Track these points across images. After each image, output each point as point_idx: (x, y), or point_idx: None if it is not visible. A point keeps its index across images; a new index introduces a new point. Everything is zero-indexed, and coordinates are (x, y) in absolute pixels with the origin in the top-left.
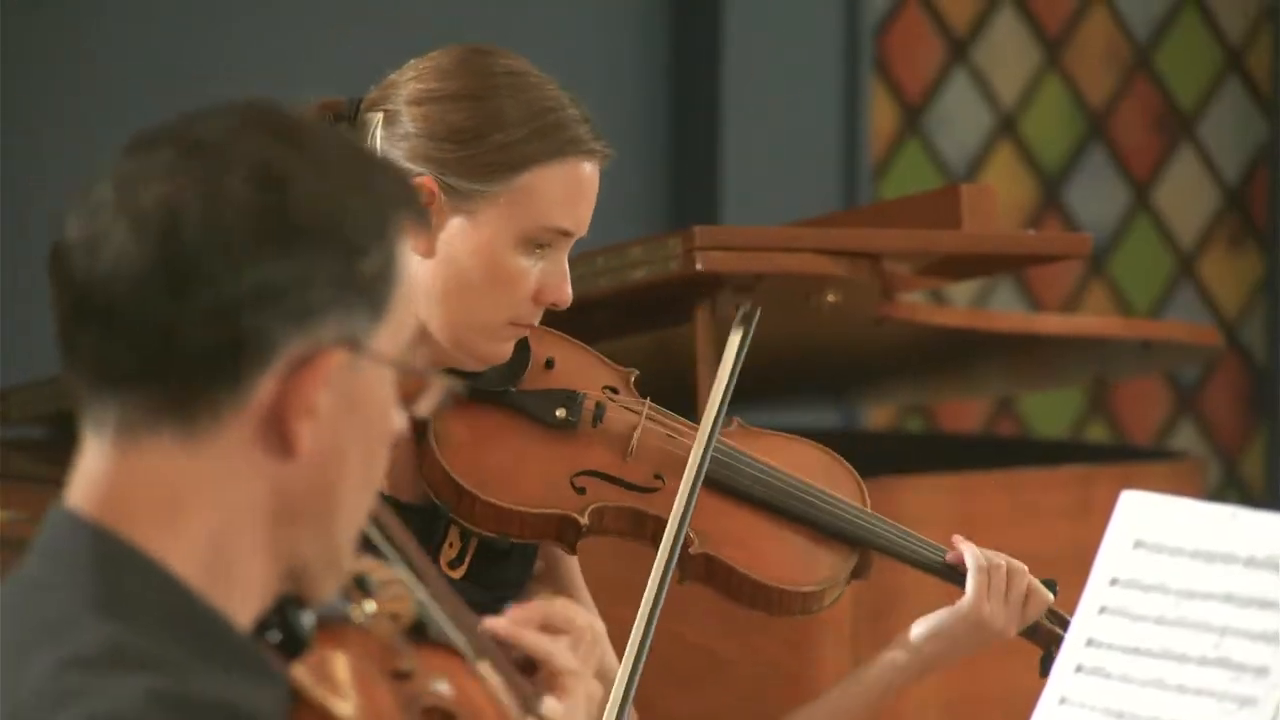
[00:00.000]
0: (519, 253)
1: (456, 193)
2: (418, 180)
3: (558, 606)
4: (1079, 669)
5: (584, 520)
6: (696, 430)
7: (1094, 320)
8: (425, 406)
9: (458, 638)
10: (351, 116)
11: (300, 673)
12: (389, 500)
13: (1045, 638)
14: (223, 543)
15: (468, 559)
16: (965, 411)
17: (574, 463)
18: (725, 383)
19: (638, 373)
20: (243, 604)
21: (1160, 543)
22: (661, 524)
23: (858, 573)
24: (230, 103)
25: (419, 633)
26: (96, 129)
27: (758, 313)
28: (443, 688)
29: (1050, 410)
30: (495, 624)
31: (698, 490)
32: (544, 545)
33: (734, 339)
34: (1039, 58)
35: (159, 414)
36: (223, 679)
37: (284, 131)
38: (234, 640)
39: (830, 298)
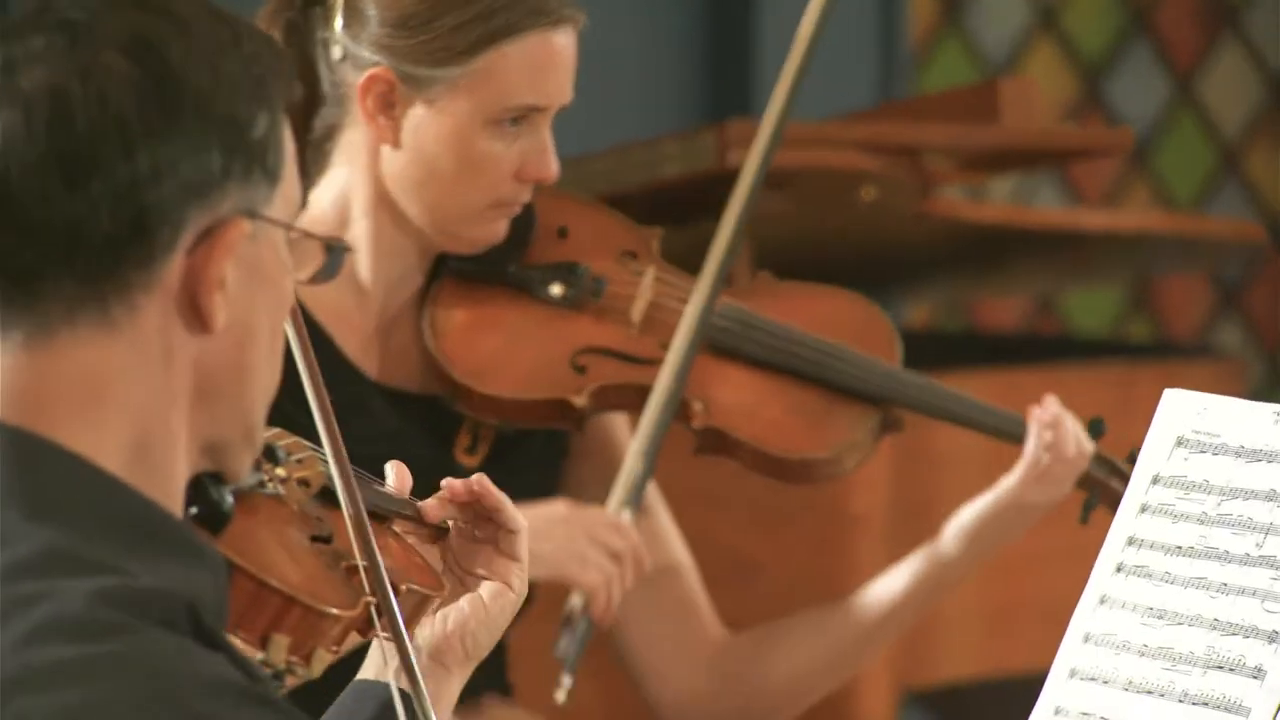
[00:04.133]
0: (489, 135)
1: (415, 81)
2: (373, 73)
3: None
4: (1119, 569)
5: (581, 401)
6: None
7: (1136, 216)
8: (306, 273)
9: (368, 499)
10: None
11: (228, 546)
12: (394, 392)
13: (1087, 483)
14: (145, 429)
15: (483, 445)
16: (1005, 309)
17: (574, 341)
18: (731, 227)
19: (661, 232)
20: (167, 487)
21: (1203, 441)
22: None
23: (887, 428)
24: None
25: (328, 497)
26: None
27: None
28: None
29: (1092, 308)
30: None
31: (692, 351)
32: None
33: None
34: None
35: (72, 306)
36: (161, 567)
37: (148, 3)
38: (166, 526)
39: (867, 194)
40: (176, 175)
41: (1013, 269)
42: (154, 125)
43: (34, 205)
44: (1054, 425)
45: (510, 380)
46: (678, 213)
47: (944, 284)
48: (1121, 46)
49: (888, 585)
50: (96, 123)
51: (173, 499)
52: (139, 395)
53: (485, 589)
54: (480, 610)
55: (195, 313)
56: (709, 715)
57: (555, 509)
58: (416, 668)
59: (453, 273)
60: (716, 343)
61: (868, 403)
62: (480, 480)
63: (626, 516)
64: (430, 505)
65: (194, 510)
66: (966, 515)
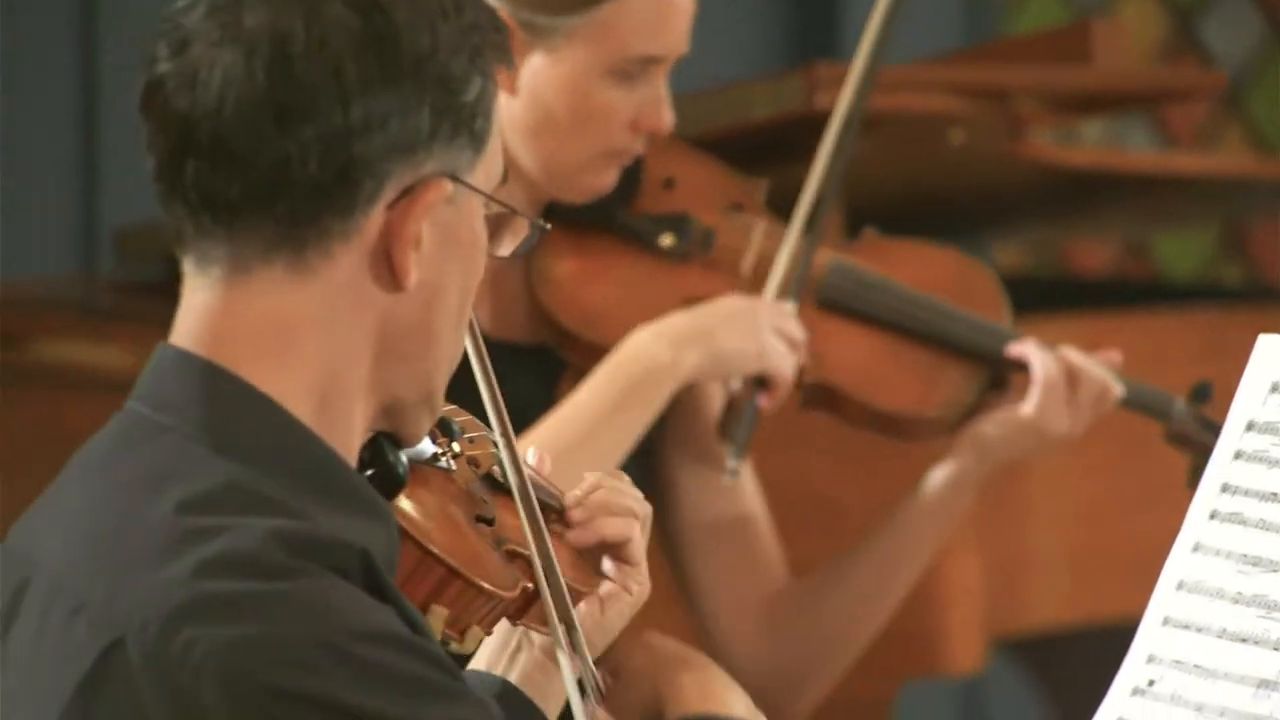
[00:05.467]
0: (607, 85)
1: (534, 29)
2: None
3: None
4: (1213, 515)
5: None
6: (819, 248)
7: (1229, 159)
8: (507, 246)
9: (534, 491)
10: None
11: (398, 512)
12: (503, 344)
13: (1194, 448)
14: (332, 380)
15: None
16: (1096, 253)
17: (683, 292)
18: (817, 184)
19: (766, 184)
20: (347, 441)
21: None
22: None
23: (994, 387)
24: None
25: (494, 482)
26: None
27: None
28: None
29: (1184, 251)
30: (572, 500)
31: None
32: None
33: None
34: None
35: (269, 247)
36: (338, 517)
37: None
38: (346, 478)
39: (956, 137)
40: (386, 130)
41: (1104, 213)
42: (370, 79)
43: (245, 143)
44: (1046, 385)
45: (620, 329)
46: (765, 156)
47: (1034, 228)
48: None
49: (907, 510)
50: (315, 69)
51: (349, 452)
52: (327, 345)
53: (604, 589)
54: (596, 611)
55: (389, 269)
56: (766, 666)
57: (737, 303)
58: (584, 650)
59: (560, 221)
60: (826, 299)
61: (975, 361)
62: (593, 489)
63: (791, 307)
64: (572, 501)
65: (370, 472)
66: (984, 432)
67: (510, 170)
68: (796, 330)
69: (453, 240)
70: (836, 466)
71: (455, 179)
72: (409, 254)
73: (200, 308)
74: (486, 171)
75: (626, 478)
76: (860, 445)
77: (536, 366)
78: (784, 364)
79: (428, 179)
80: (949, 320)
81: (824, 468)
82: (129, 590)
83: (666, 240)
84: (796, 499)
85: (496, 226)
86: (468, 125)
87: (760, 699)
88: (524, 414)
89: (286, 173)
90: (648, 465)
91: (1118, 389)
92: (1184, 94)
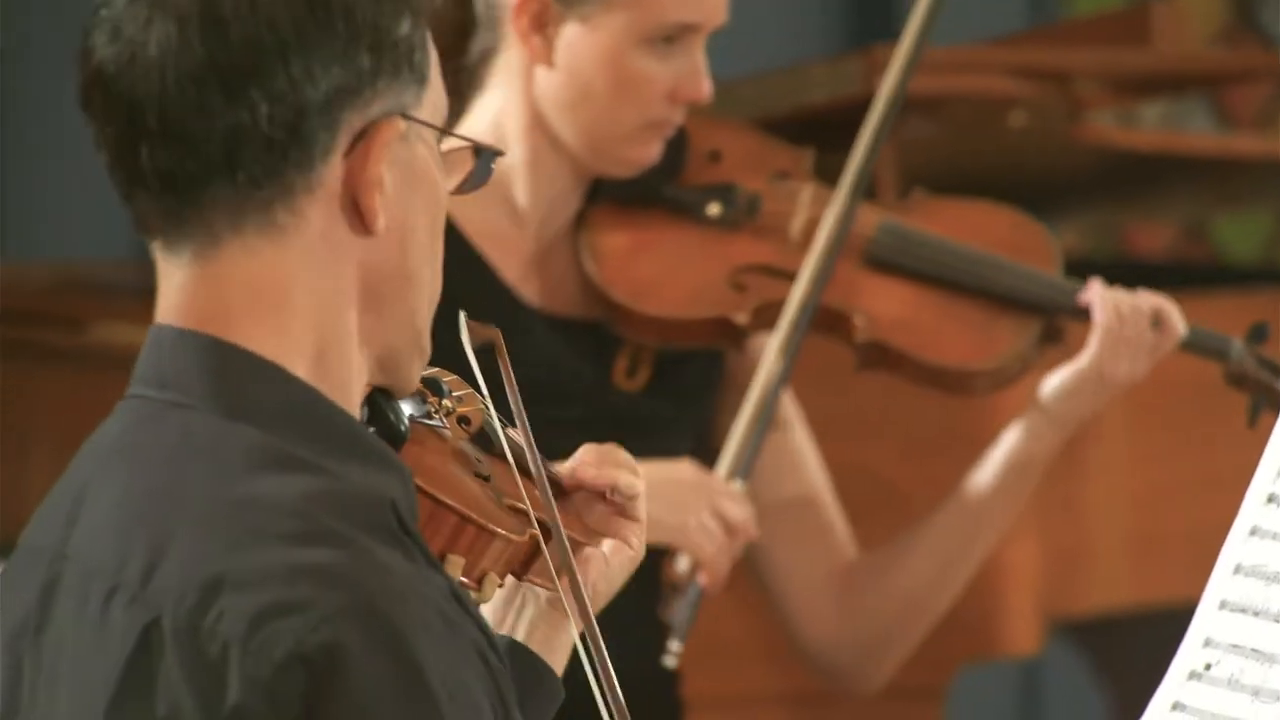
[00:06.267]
0: (644, 54)
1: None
2: None
3: (626, 456)
4: (1270, 499)
5: (742, 319)
6: (867, 211)
7: None
8: (455, 181)
9: (523, 447)
10: None
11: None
12: (555, 319)
13: (1253, 386)
14: (324, 335)
15: (643, 369)
16: (1155, 235)
17: (733, 259)
18: (864, 152)
19: (813, 152)
20: (346, 397)
21: None
22: (829, 312)
23: (1049, 338)
24: None
25: (485, 441)
26: None
27: None
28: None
29: (1242, 234)
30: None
31: (829, 262)
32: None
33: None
34: None
35: (235, 215)
36: (357, 471)
37: None
38: (358, 432)
39: (1016, 120)
40: (330, 78)
41: (1163, 195)
42: (305, 30)
43: (193, 116)
44: (1107, 329)
45: (671, 300)
46: (825, 139)
47: (1094, 210)
48: None
49: (982, 475)
50: (249, 31)
51: (351, 407)
52: (314, 301)
53: (606, 544)
54: (601, 564)
55: (357, 214)
56: (841, 640)
57: (680, 472)
58: (588, 602)
59: (607, 197)
60: (875, 258)
61: (1029, 313)
62: (586, 461)
63: (739, 486)
64: (563, 469)
65: (371, 430)
66: (1050, 389)
67: (554, 146)
68: (737, 513)
69: (413, 177)
70: (900, 457)
71: (405, 116)
72: (374, 197)
73: (180, 286)
74: (433, 105)
75: (622, 450)
76: (924, 436)
77: (590, 344)
78: (708, 546)
79: (379, 120)
80: (999, 272)
81: (888, 458)
82: (164, 569)
83: (713, 209)
84: (860, 490)
85: (448, 161)
86: (407, 60)
87: (835, 672)
88: (578, 389)
89: (240, 138)
90: (709, 448)
91: (1177, 323)
92: (1244, 76)
